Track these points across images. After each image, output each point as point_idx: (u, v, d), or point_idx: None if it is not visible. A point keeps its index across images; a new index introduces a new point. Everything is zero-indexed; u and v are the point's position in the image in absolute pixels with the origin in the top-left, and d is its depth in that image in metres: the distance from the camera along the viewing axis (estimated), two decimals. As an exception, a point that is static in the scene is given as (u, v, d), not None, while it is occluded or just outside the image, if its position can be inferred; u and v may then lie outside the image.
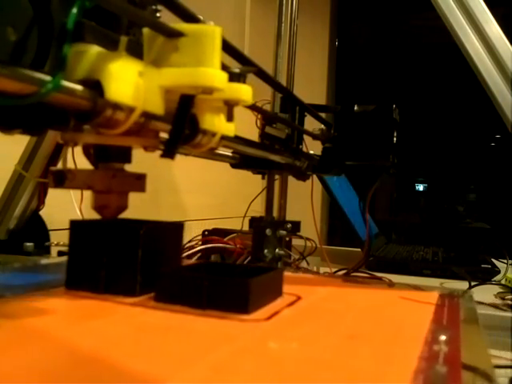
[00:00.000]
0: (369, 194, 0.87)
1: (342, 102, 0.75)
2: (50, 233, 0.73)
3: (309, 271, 0.67)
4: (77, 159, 0.42)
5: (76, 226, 0.33)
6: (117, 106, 0.26)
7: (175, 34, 0.29)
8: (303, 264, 0.71)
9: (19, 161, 0.70)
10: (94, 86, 0.25)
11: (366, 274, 0.75)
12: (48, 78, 0.23)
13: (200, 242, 0.72)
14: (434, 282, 0.80)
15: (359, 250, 0.98)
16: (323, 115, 0.69)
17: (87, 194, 0.33)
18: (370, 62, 3.08)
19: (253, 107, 0.49)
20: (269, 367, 0.21)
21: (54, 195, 0.73)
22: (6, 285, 0.35)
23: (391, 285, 0.45)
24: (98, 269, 0.31)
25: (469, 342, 0.27)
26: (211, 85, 0.28)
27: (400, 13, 3.09)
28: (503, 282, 0.77)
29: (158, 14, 0.31)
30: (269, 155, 0.54)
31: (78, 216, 0.68)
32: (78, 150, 0.34)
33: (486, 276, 0.82)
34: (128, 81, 0.26)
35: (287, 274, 0.46)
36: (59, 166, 0.68)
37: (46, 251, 0.70)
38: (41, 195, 0.71)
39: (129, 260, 0.31)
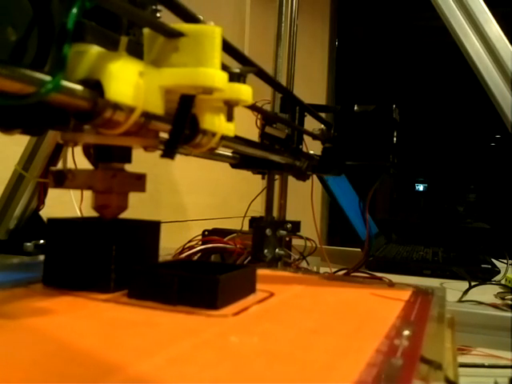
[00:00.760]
0: (369, 193, 0.88)
1: (342, 102, 0.75)
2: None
3: (309, 271, 0.67)
4: (77, 159, 0.42)
5: (52, 224, 0.33)
6: (117, 106, 0.26)
7: (175, 34, 0.29)
8: (303, 264, 0.71)
9: (19, 161, 0.70)
10: (94, 86, 0.25)
11: (366, 274, 0.75)
12: (48, 78, 0.23)
13: (200, 242, 0.72)
14: (434, 282, 0.80)
15: (359, 250, 0.98)
16: (323, 115, 0.69)
17: (87, 193, 0.33)
18: (370, 62, 3.08)
19: (253, 107, 0.49)
20: (225, 359, 0.21)
21: (53, 195, 0.73)
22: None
23: (391, 285, 0.45)
24: (74, 266, 0.31)
25: (435, 338, 0.27)
26: (211, 85, 0.28)
27: (400, 13, 3.10)
28: (503, 281, 0.77)
29: (158, 14, 0.31)
30: (269, 155, 0.54)
31: (78, 216, 0.68)
32: (78, 149, 0.34)
33: (486, 276, 0.83)
34: (128, 81, 0.26)
35: (268, 272, 0.46)
36: (59, 166, 0.68)
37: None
38: (41, 195, 0.71)
39: (103, 257, 0.31)
